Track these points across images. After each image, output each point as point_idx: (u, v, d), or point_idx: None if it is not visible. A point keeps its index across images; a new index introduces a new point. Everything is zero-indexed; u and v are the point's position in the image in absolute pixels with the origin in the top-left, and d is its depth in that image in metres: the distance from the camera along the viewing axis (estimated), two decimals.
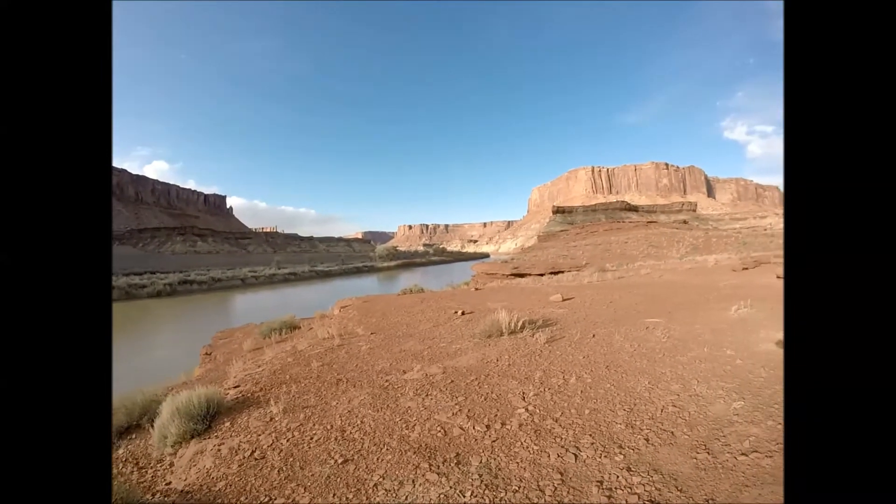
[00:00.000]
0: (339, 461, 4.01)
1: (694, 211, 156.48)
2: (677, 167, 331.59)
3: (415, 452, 4.03)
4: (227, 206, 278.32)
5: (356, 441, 4.33)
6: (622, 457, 3.72)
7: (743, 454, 3.69)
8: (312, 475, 3.85)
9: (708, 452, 3.75)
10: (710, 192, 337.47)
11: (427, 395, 5.32)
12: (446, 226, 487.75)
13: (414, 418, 4.72)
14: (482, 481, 3.53)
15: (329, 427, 4.68)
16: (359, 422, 4.75)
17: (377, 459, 4.00)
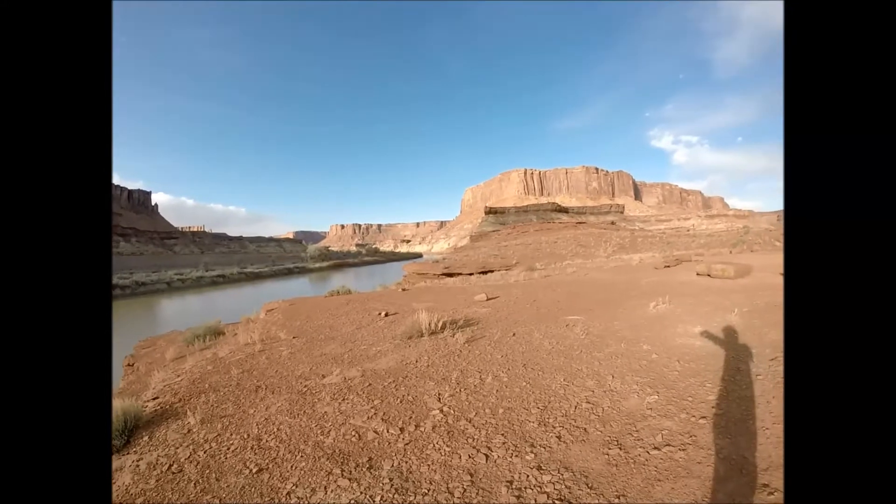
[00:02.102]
0: (255, 471, 3.85)
1: (622, 213, 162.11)
2: (607, 171, 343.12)
3: (328, 459, 3.91)
4: (152, 204, 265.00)
5: (272, 449, 4.17)
6: (533, 455, 3.72)
7: (655, 448, 3.76)
8: (228, 486, 3.67)
9: (620, 448, 3.80)
10: (638, 196, 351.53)
11: (344, 400, 5.18)
12: (379, 226, 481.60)
13: (329, 424, 4.58)
14: (392, 485, 3.44)
15: (246, 436, 4.49)
16: (275, 429, 4.57)
17: (291, 467, 3.85)
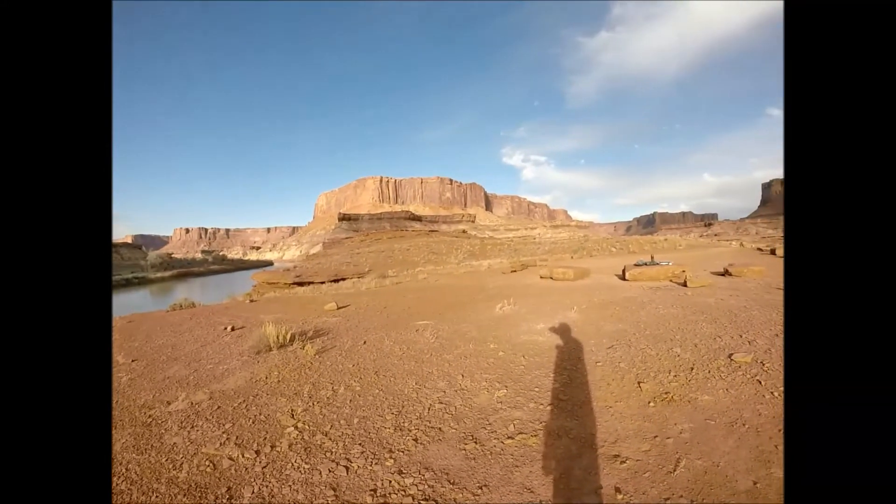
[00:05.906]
0: None
1: (473, 222, 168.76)
2: (460, 183, 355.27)
3: (185, 495, 3.63)
4: None
5: (124, 493, 3.76)
6: (393, 461, 3.82)
7: (509, 437, 4.07)
8: None
9: (476, 442, 4.05)
10: (489, 207, 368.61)
11: (193, 427, 4.87)
12: (227, 230, 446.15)
13: (181, 456, 4.26)
14: None
15: None
16: (123, 470, 4.13)
17: None
